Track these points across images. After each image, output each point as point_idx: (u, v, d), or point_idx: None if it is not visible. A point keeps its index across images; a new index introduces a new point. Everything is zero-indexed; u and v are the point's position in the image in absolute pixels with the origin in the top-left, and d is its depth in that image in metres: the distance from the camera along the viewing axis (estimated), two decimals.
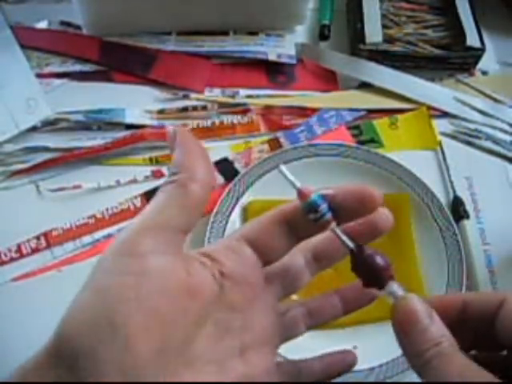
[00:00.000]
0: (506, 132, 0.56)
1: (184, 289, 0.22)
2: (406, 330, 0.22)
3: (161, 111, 0.54)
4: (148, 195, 0.50)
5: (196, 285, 0.22)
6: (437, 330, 0.22)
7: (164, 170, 0.51)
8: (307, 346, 0.43)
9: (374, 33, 0.57)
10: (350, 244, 0.24)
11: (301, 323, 0.28)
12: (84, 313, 0.20)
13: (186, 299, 0.21)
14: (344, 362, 0.29)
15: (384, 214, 0.26)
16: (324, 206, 0.24)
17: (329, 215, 0.24)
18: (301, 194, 0.24)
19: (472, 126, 0.56)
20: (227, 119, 0.54)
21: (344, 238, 0.24)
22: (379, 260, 0.24)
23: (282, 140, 0.53)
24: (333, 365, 0.29)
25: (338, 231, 0.24)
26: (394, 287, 0.24)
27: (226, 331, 0.24)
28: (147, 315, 0.20)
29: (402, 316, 0.23)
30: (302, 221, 0.24)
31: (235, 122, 0.54)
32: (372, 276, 0.24)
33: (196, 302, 0.22)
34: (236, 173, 0.50)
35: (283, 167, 0.24)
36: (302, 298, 0.43)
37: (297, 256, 0.27)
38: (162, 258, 0.22)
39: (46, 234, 0.47)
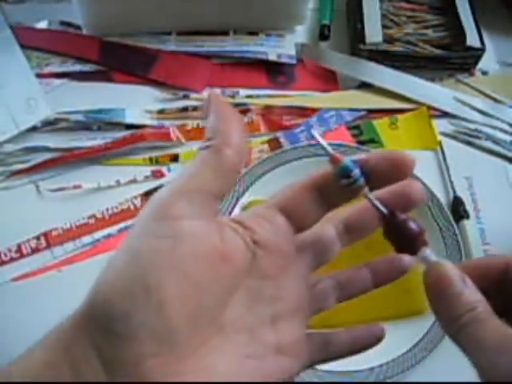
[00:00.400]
0: (506, 132, 0.56)
1: (217, 254, 0.21)
2: (439, 294, 0.22)
3: (161, 111, 0.54)
4: (148, 195, 0.50)
5: (229, 251, 0.22)
6: (471, 294, 0.22)
7: (164, 170, 0.51)
8: None
9: (373, 33, 0.57)
10: (383, 209, 0.24)
11: (331, 296, 0.27)
12: (117, 276, 0.20)
13: (219, 265, 0.21)
14: (371, 335, 0.28)
15: (417, 186, 0.26)
16: (356, 171, 0.23)
17: (361, 180, 0.23)
18: (333, 159, 0.24)
19: (472, 126, 0.56)
20: None
21: (377, 202, 0.24)
22: (412, 225, 0.24)
23: (281, 140, 0.53)
24: (360, 337, 0.28)
25: (371, 196, 0.24)
26: (427, 253, 0.23)
27: (257, 299, 0.24)
28: (181, 279, 0.20)
29: (436, 280, 0.22)
30: (334, 187, 0.24)
31: None
32: (405, 241, 0.24)
33: (229, 267, 0.22)
34: None
35: (316, 132, 0.24)
36: None
37: (328, 227, 0.27)
38: (196, 222, 0.21)
39: (45, 234, 0.47)
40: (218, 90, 0.57)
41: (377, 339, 0.28)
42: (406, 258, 0.28)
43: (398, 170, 0.24)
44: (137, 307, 0.19)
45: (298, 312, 0.25)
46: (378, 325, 0.29)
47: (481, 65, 0.59)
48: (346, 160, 0.23)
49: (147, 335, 0.19)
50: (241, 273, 0.22)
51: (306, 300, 0.26)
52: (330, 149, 0.24)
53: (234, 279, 0.22)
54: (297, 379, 0.41)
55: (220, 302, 0.22)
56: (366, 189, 0.24)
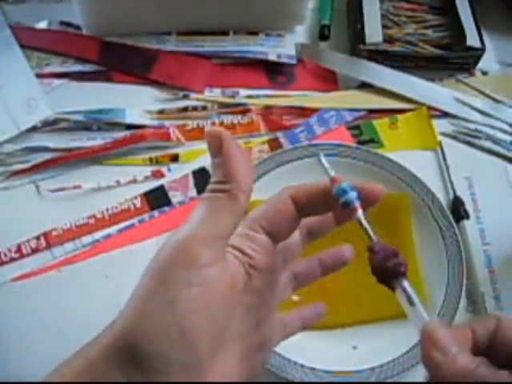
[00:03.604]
0: (505, 132, 0.56)
1: (230, 288, 0.25)
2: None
3: (161, 111, 0.54)
4: (148, 195, 0.50)
5: (235, 280, 0.26)
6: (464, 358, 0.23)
7: (164, 170, 0.51)
8: (307, 347, 0.43)
9: (373, 33, 0.57)
10: (373, 236, 0.26)
11: (288, 287, 0.32)
12: (154, 321, 0.22)
13: (230, 295, 0.25)
14: (316, 312, 0.34)
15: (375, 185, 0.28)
16: (353, 194, 0.26)
17: (356, 203, 0.26)
18: (333, 180, 0.26)
19: (472, 126, 0.56)
20: (227, 119, 0.54)
21: (368, 228, 0.26)
22: (392, 259, 0.25)
23: (281, 140, 0.53)
24: (307, 316, 0.33)
25: (363, 220, 0.26)
26: (407, 287, 0.25)
27: (248, 311, 0.27)
28: (207, 320, 0.23)
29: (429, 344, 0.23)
30: (313, 204, 0.27)
31: (235, 122, 0.54)
32: (384, 274, 0.26)
33: (235, 294, 0.25)
34: None
35: (323, 157, 0.28)
36: (304, 298, 0.43)
37: (295, 232, 0.30)
38: (217, 267, 0.24)
39: (45, 234, 0.47)
40: (218, 91, 0.57)
41: (320, 315, 0.34)
42: (347, 252, 0.32)
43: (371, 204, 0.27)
44: (173, 347, 0.22)
45: (273, 310, 0.29)
46: (320, 303, 0.34)
47: (481, 65, 0.59)
48: (346, 183, 0.26)
49: (180, 369, 0.22)
50: (240, 294, 0.26)
51: (278, 298, 0.30)
52: (331, 171, 0.27)
53: (237, 302, 0.26)
54: (296, 379, 0.41)
55: (227, 323, 0.25)
56: (360, 212, 0.26)
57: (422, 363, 0.23)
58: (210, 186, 0.25)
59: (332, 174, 0.27)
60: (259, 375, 0.28)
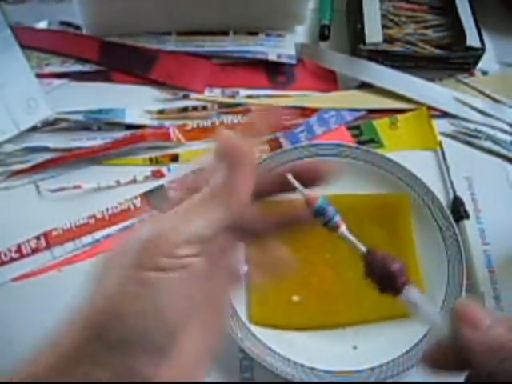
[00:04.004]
0: (506, 132, 0.56)
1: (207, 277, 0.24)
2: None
3: (161, 111, 0.54)
4: (148, 195, 0.50)
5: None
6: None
7: (164, 170, 0.51)
8: (307, 347, 0.43)
9: (373, 33, 0.57)
10: (362, 247, 0.25)
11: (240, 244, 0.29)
12: (132, 304, 0.22)
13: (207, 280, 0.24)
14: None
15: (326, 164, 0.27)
16: (331, 210, 0.25)
17: (337, 219, 0.25)
18: (308, 201, 0.25)
19: (472, 126, 0.56)
20: (227, 119, 0.54)
21: (355, 241, 0.25)
22: (392, 263, 0.24)
23: (281, 140, 0.53)
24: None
25: (348, 235, 0.25)
26: (411, 293, 0.24)
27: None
28: (185, 305, 0.23)
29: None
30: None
31: (235, 121, 0.54)
32: (386, 280, 0.24)
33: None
34: None
35: (290, 175, 0.25)
36: (304, 298, 0.43)
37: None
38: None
39: (46, 234, 0.47)
40: (218, 91, 0.57)
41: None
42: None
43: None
44: (150, 331, 0.22)
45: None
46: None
47: (481, 65, 0.59)
48: (321, 200, 0.25)
49: (154, 351, 0.22)
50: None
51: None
52: (305, 192, 0.25)
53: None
54: (296, 379, 0.41)
55: (200, 302, 0.25)
56: (343, 228, 0.25)
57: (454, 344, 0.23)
58: (205, 189, 0.24)
59: (306, 193, 0.25)
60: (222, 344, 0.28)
